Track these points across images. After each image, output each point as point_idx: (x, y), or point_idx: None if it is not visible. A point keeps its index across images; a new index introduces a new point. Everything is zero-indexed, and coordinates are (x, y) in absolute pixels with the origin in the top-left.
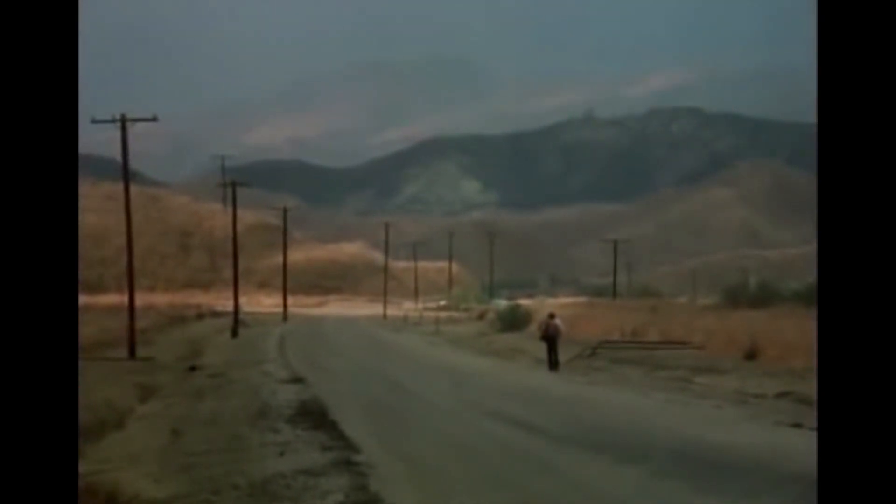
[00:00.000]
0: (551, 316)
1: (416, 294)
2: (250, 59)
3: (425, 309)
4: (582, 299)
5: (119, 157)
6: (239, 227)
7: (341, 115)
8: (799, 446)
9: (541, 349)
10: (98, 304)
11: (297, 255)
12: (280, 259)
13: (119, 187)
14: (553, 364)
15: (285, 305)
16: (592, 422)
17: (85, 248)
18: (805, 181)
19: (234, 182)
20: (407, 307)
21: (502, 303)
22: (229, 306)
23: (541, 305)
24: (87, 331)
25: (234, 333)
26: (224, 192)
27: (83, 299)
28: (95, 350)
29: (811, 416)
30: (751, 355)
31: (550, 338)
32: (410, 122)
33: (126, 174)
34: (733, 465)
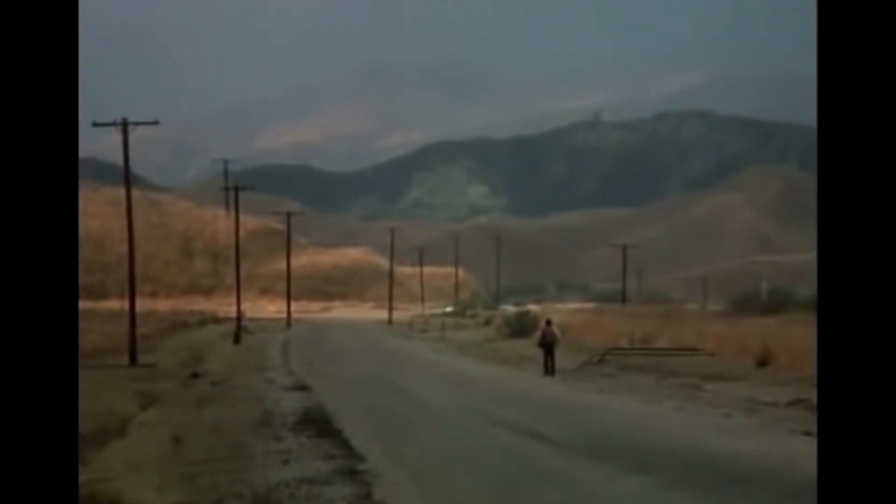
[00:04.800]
0: (548, 322)
1: (421, 300)
2: (254, 63)
3: (431, 315)
4: (590, 305)
5: (121, 162)
6: (242, 232)
7: (346, 119)
8: (811, 455)
9: None
10: (100, 309)
11: (300, 261)
12: (284, 264)
13: (121, 192)
14: (550, 370)
15: (289, 311)
16: (600, 430)
17: (87, 254)
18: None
19: (236, 186)
20: (412, 313)
21: (510, 308)
22: (232, 312)
23: (549, 311)
24: (88, 337)
25: (237, 339)
26: (227, 197)
27: (85, 305)
28: (97, 357)
29: None
30: (762, 362)
31: (547, 344)
32: (416, 126)
33: (127, 178)
34: (743, 475)
